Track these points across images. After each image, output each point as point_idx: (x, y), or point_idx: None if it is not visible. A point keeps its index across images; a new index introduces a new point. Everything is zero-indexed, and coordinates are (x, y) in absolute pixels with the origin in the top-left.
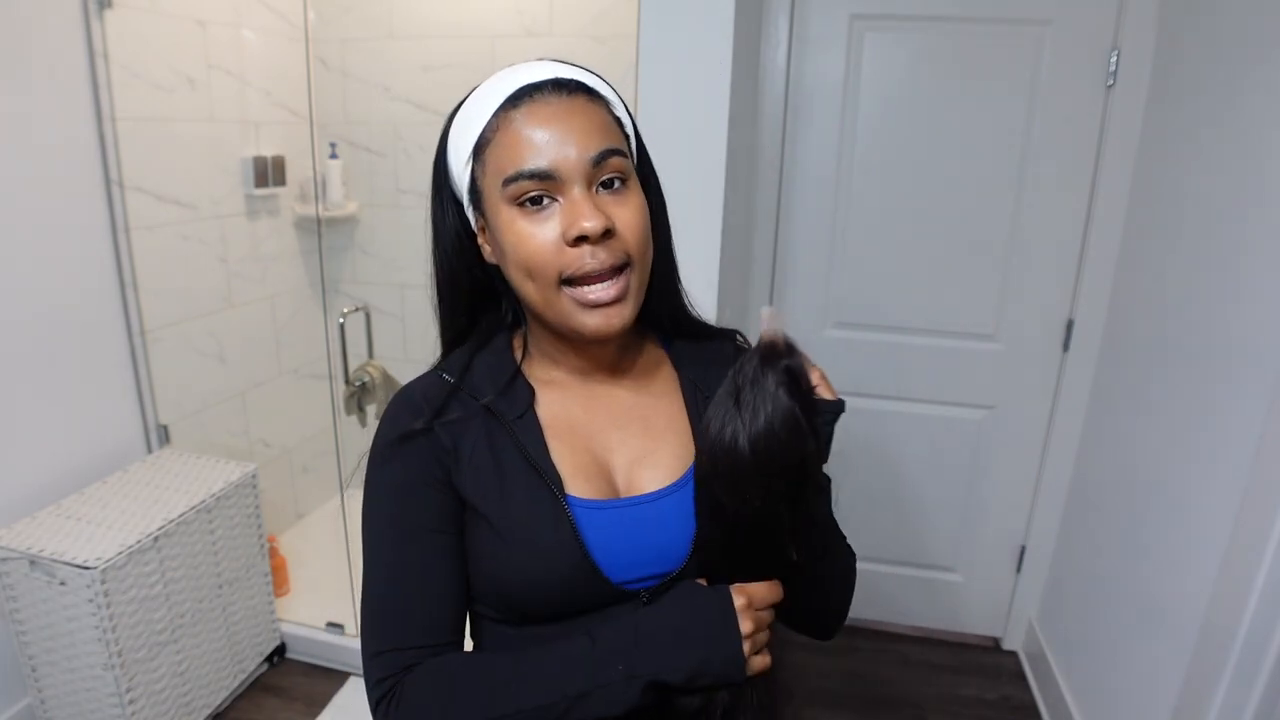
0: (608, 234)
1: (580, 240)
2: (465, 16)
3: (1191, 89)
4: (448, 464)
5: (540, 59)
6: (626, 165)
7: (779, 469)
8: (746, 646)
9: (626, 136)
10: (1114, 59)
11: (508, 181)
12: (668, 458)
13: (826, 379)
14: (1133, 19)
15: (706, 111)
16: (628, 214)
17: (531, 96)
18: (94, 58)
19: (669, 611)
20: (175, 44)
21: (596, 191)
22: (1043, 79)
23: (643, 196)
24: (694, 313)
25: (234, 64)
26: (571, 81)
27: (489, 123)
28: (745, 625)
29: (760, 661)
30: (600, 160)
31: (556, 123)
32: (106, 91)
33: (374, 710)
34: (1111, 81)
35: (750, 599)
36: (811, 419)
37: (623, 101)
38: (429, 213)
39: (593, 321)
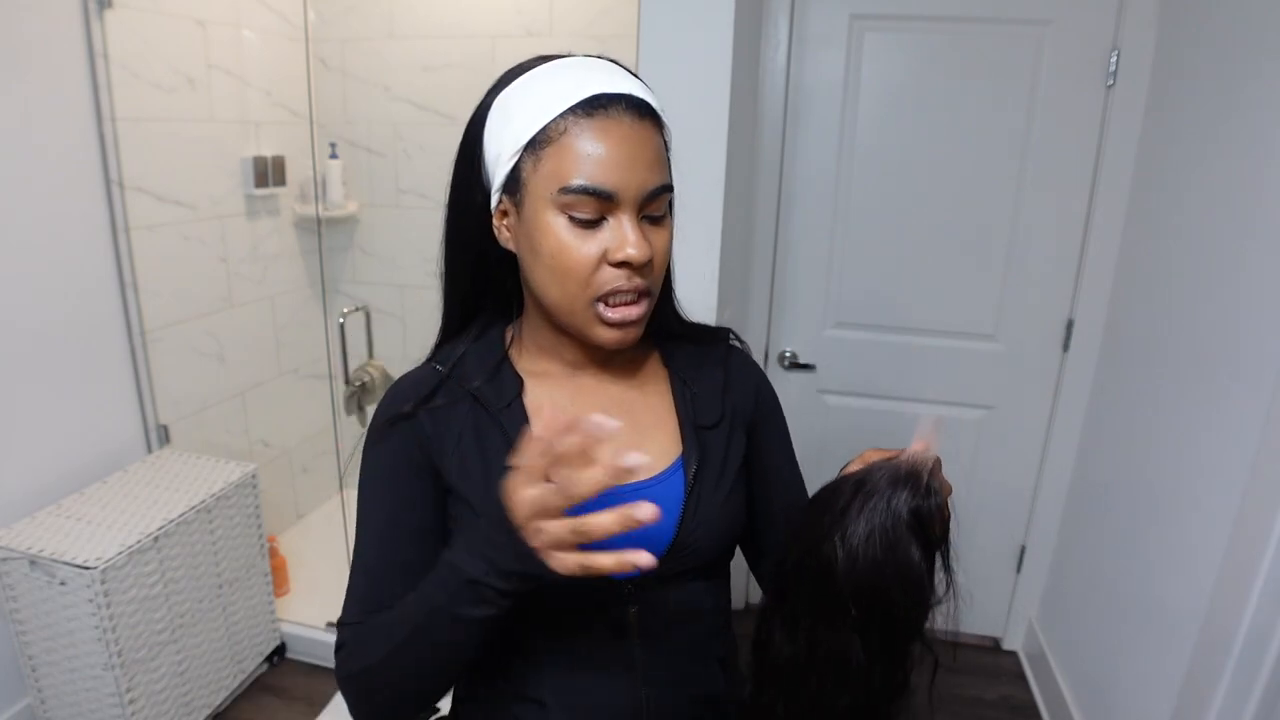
0: (646, 263)
1: (621, 264)
2: (465, 16)
3: (1191, 89)
4: (431, 449)
5: (603, 58)
6: (669, 199)
7: (867, 596)
8: (535, 539)
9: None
10: (1114, 59)
11: (566, 190)
12: (654, 450)
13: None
14: (1133, 19)
15: (706, 112)
16: (660, 245)
17: (606, 110)
18: (94, 58)
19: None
20: (175, 44)
21: (642, 217)
22: (1043, 79)
23: (672, 225)
24: (684, 316)
25: (234, 64)
26: (644, 104)
27: (555, 121)
28: (521, 512)
29: (564, 562)
30: (655, 195)
31: (627, 146)
32: (106, 91)
33: (337, 674)
34: (1111, 81)
35: (532, 506)
36: (930, 568)
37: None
38: (450, 178)
39: (610, 336)
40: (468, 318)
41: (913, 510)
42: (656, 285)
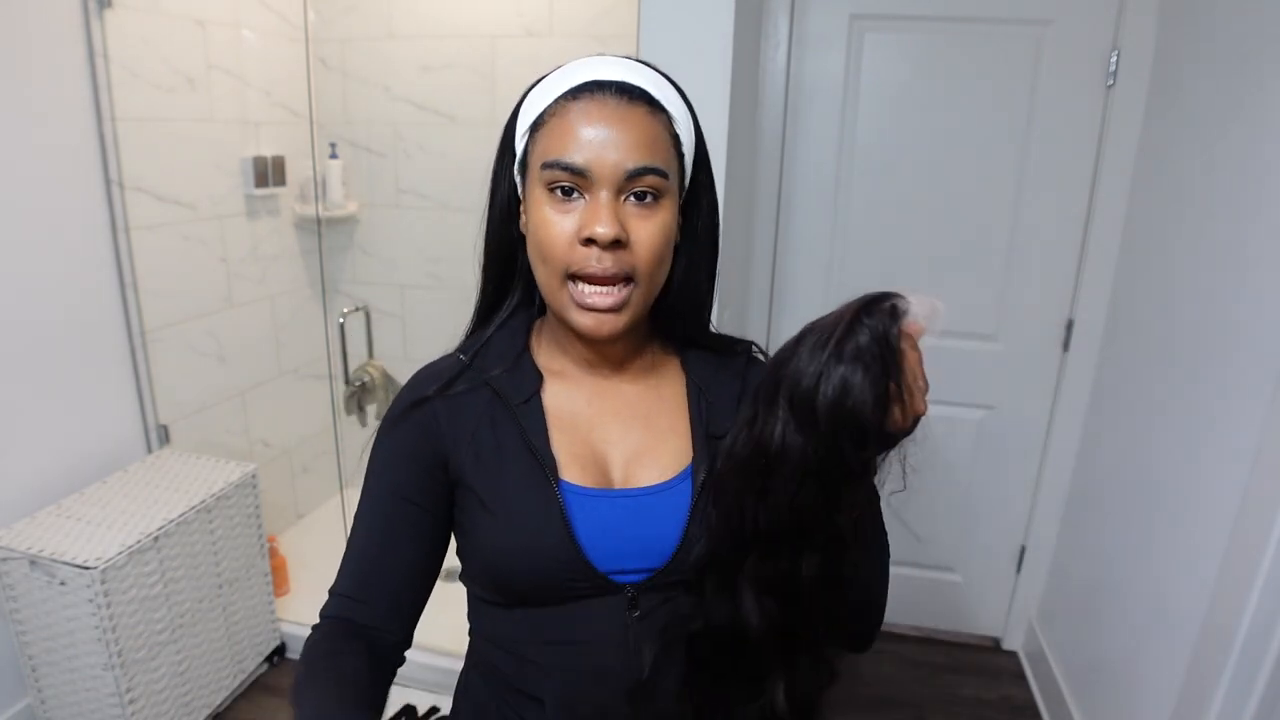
0: (617, 243)
1: (590, 242)
2: (465, 16)
3: (1191, 89)
4: (444, 445)
5: (626, 57)
6: (663, 184)
7: (834, 420)
8: None
9: (680, 155)
10: (1114, 59)
11: (546, 166)
12: (666, 456)
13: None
14: (1133, 19)
15: (706, 112)
16: (647, 231)
17: (592, 93)
18: (94, 58)
19: None
20: (175, 44)
21: (626, 201)
22: (1043, 79)
23: (672, 216)
24: (714, 329)
25: (234, 64)
26: (636, 89)
27: (549, 105)
28: None
29: None
30: (636, 175)
31: (606, 125)
32: (106, 91)
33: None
34: (1111, 81)
35: None
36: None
37: (693, 117)
38: (491, 168)
39: (585, 321)
40: (496, 303)
41: (871, 329)
42: (642, 272)
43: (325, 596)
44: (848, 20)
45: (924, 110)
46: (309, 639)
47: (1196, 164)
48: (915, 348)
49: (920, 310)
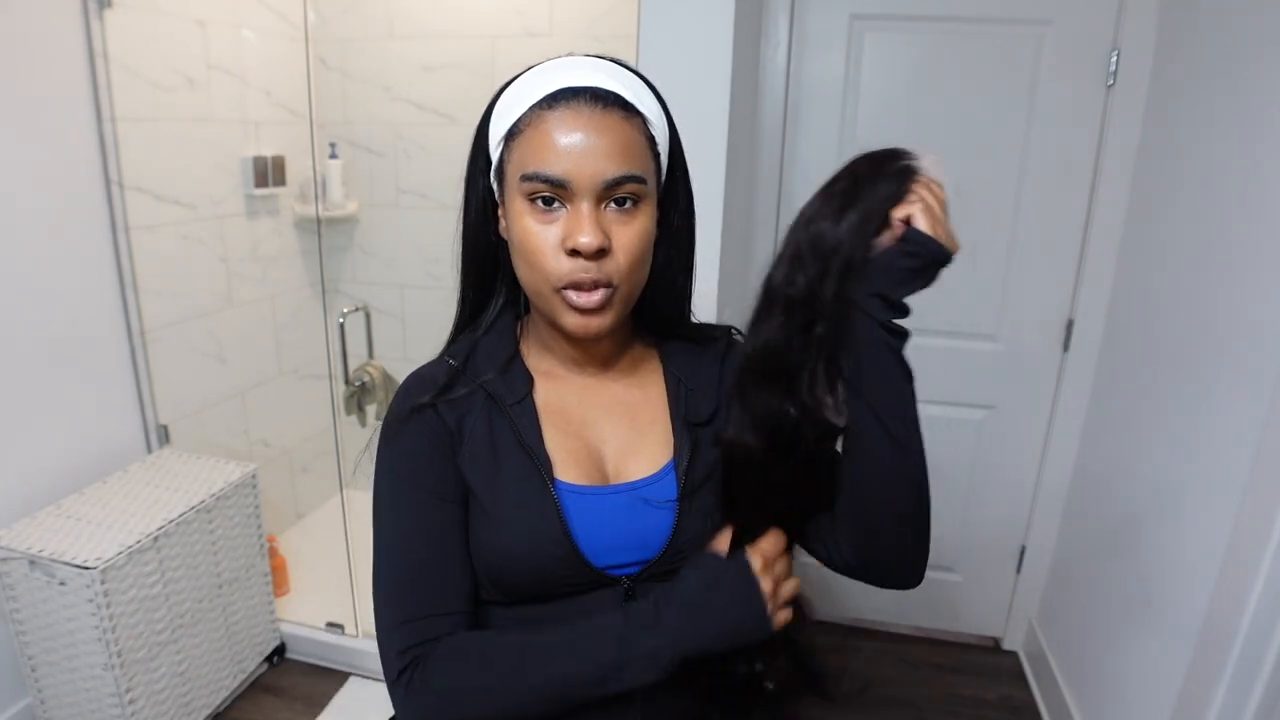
0: (601, 252)
1: (574, 253)
2: (465, 16)
3: (1191, 89)
4: (452, 441)
5: (598, 56)
6: (641, 190)
7: (831, 252)
8: (770, 606)
9: (656, 155)
10: (1114, 59)
11: (525, 178)
12: (652, 448)
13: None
14: (1133, 19)
15: (706, 111)
16: (627, 236)
17: (567, 102)
18: (94, 58)
19: (691, 582)
20: (175, 44)
21: (606, 207)
22: (1043, 79)
23: (650, 219)
24: (693, 320)
25: (234, 64)
26: (610, 94)
27: (523, 114)
28: (765, 584)
29: (784, 616)
30: (615, 184)
31: (582, 135)
32: (106, 91)
33: (395, 682)
34: (1111, 81)
35: (765, 557)
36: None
37: (667, 116)
38: (465, 172)
39: (572, 322)
40: (479, 308)
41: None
42: (626, 277)
43: (325, 597)
44: (848, 20)
45: (924, 110)
46: (412, 678)
47: (1196, 164)
48: (938, 192)
49: (929, 165)
